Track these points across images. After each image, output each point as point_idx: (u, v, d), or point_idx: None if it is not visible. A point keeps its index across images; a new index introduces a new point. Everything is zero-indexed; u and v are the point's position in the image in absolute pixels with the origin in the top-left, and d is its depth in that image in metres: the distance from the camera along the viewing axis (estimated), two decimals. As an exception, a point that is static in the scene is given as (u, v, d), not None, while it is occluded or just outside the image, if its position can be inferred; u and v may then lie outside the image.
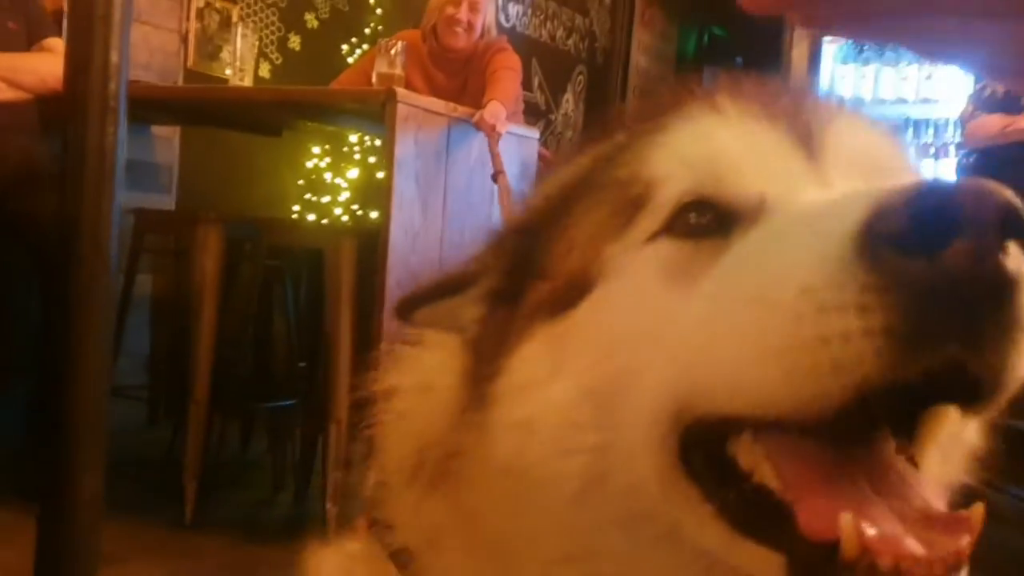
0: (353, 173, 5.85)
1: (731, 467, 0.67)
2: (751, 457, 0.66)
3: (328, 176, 5.84)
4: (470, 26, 4.56)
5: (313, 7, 6.00)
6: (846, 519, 0.59)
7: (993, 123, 4.19)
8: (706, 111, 0.78)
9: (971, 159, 4.26)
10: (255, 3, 5.62)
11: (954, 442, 0.77)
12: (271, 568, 2.72)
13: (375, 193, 5.11)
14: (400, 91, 3.55)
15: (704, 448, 0.68)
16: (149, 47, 5.01)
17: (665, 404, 0.68)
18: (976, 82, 4.84)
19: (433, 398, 0.86)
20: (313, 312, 3.96)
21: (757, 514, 0.65)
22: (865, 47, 5.81)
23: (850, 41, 5.81)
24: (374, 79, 4.02)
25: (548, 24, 6.99)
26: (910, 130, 5.83)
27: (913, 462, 0.68)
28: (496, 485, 0.77)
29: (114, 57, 2.03)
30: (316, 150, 5.84)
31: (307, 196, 5.82)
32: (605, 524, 0.73)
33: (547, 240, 0.81)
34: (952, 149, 5.43)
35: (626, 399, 0.71)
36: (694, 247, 0.72)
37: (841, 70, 5.91)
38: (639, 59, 7.80)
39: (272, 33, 5.72)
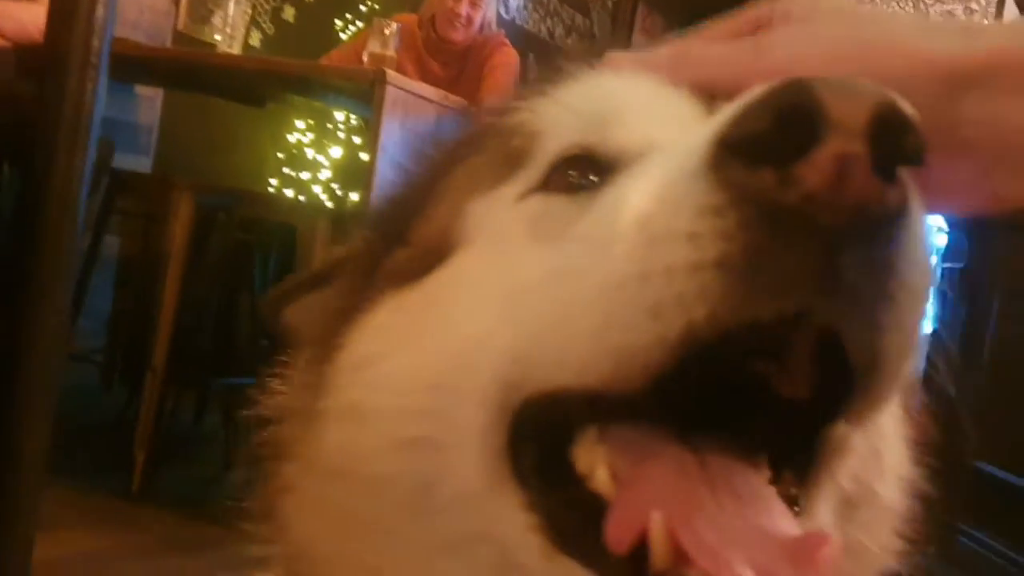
0: (336, 151, 5.77)
1: (567, 471, 0.56)
2: (590, 459, 0.55)
3: (310, 152, 5.76)
4: (470, 20, 4.50)
5: (311, -21, 5.92)
6: (656, 520, 0.48)
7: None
8: (605, 67, 0.70)
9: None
10: (251, -30, 5.53)
11: (864, 500, 0.64)
12: (212, 547, 2.65)
13: (356, 174, 5.04)
14: (391, 73, 3.48)
15: (538, 445, 0.58)
16: (140, 5, 4.91)
17: (498, 379, 0.58)
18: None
19: None
20: (282, 290, 3.89)
21: (581, 527, 0.54)
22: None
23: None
24: (365, 58, 3.95)
25: (548, 20, 6.94)
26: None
27: (794, 503, 0.57)
28: (326, 495, 0.66)
29: (100, 11, 1.95)
30: (300, 124, 5.76)
31: (286, 170, 5.74)
32: (439, 548, 0.62)
33: (418, 205, 0.72)
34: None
35: (463, 378, 0.60)
36: (568, 200, 0.62)
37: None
38: (635, 64, 7.78)
39: (266, 2, 5.63)
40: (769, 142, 0.45)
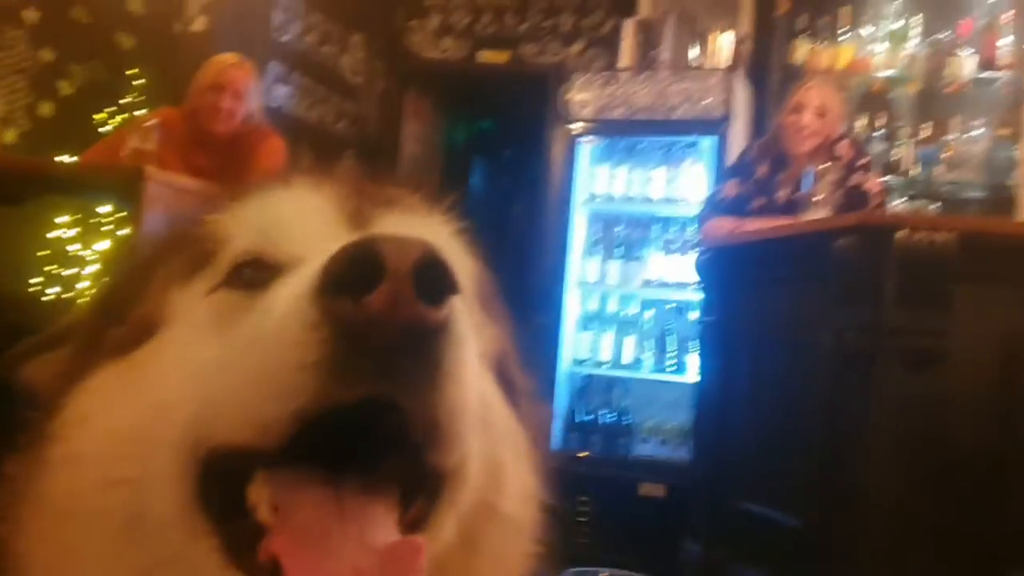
0: (102, 245, 5.61)
1: (242, 505, 0.75)
2: (258, 496, 0.74)
3: (74, 248, 5.57)
4: (232, 113, 4.50)
5: (67, 74, 5.78)
6: (277, 547, 0.69)
7: (724, 224, 4.54)
8: (279, 183, 0.90)
9: (707, 256, 4.58)
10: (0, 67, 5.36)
11: (490, 517, 0.86)
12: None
13: (127, 268, 4.90)
14: (149, 168, 3.48)
15: (221, 485, 0.76)
16: None
17: (186, 435, 0.76)
18: (711, 186, 5.26)
19: None
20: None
21: (248, 548, 0.73)
22: (618, 149, 6.18)
23: (604, 143, 6.17)
24: (125, 154, 3.92)
25: (317, 107, 7.02)
26: (658, 226, 6.18)
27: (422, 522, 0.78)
28: (47, 533, 0.81)
29: None
30: (62, 220, 5.56)
31: (50, 269, 5.52)
32: (147, 572, 0.78)
33: (131, 291, 0.89)
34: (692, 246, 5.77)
35: (160, 433, 0.78)
36: (244, 296, 0.81)
37: (595, 169, 6.23)
38: (410, 147, 7.94)
39: (19, 99, 5.46)
40: (348, 279, 0.66)
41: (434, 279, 0.66)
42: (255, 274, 0.82)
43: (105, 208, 5.44)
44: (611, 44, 6.71)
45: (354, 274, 0.65)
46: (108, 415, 0.81)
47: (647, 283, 5.95)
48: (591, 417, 5.90)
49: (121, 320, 0.87)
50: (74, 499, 0.79)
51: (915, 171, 6.06)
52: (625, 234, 6.14)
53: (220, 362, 0.75)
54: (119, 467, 0.79)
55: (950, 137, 6.00)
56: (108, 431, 0.80)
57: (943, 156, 6.00)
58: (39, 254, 5.46)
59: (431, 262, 0.66)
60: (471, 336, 0.73)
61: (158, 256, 0.91)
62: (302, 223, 0.85)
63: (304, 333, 0.67)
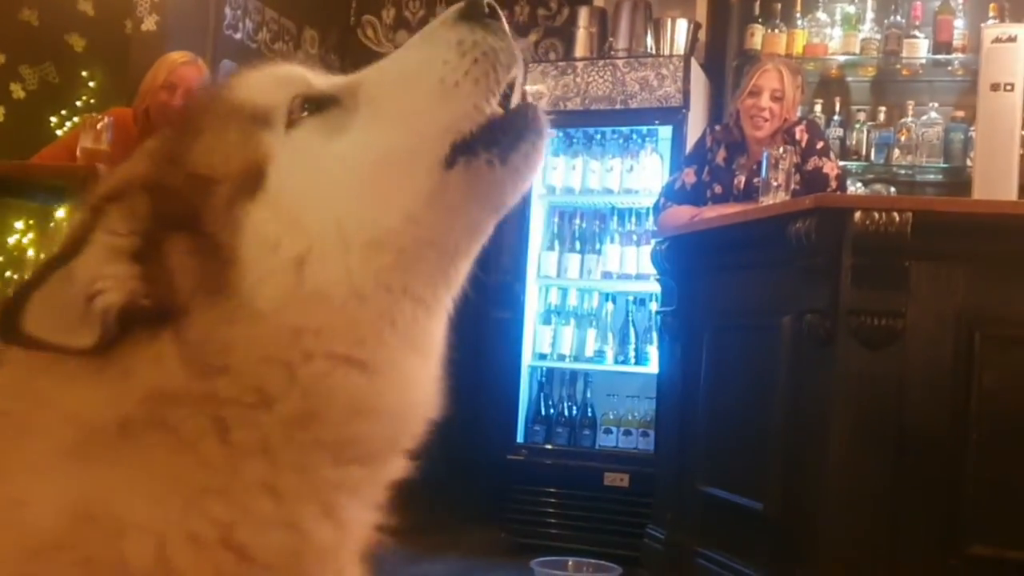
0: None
1: None
2: None
3: (32, 252, 5.52)
4: (184, 112, 4.45)
5: (19, 77, 5.71)
6: None
7: (682, 213, 4.55)
8: (271, 64, 1.10)
9: (664, 245, 4.57)
10: (-50, 71, 5.28)
11: None
12: None
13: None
14: (103, 168, 3.44)
15: None
16: None
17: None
18: (669, 175, 5.27)
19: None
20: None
21: None
22: (574, 141, 6.17)
23: (561, 133, 6.16)
24: (78, 154, 3.88)
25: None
26: (615, 218, 6.19)
27: None
28: (261, 349, 0.90)
29: None
30: (19, 225, 5.51)
31: (8, 274, 5.47)
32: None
33: (185, 164, 0.97)
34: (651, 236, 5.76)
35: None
36: (323, 118, 1.01)
37: (553, 161, 6.21)
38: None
39: (-31, 102, 5.39)
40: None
41: None
42: (312, 106, 1.02)
43: (62, 211, 5.39)
44: (566, 33, 6.72)
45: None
46: (297, 227, 0.93)
47: (607, 275, 5.92)
48: (555, 410, 5.90)
49: (211, 183, 0.95)
50: (304, 291, 0.92)
51: (872, 155, 6.12)
52: (584, 227, 6.14)
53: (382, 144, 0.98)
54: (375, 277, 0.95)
55: (906, 120, 6.06)
56: (315, 233, 0.93)
57: (899, 139, 6.06)
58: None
59: None
60: None
61: (200, 137, 1.00)
62: (305, 72, 1.07)
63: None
